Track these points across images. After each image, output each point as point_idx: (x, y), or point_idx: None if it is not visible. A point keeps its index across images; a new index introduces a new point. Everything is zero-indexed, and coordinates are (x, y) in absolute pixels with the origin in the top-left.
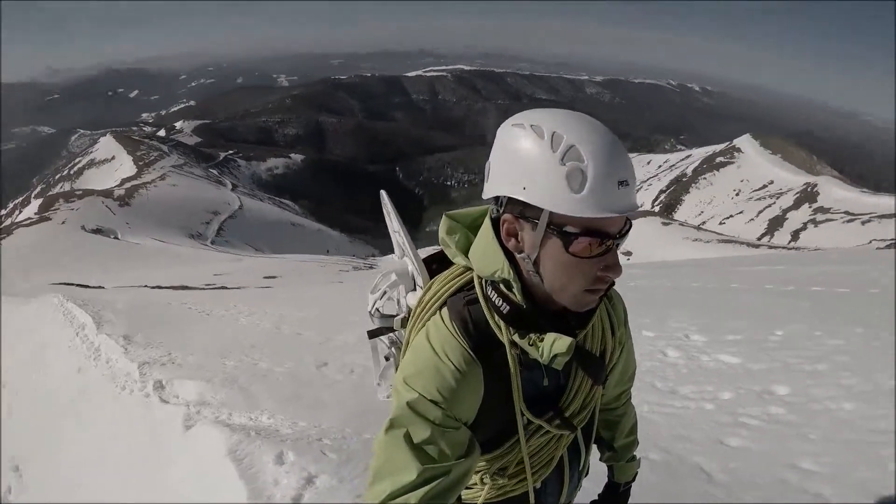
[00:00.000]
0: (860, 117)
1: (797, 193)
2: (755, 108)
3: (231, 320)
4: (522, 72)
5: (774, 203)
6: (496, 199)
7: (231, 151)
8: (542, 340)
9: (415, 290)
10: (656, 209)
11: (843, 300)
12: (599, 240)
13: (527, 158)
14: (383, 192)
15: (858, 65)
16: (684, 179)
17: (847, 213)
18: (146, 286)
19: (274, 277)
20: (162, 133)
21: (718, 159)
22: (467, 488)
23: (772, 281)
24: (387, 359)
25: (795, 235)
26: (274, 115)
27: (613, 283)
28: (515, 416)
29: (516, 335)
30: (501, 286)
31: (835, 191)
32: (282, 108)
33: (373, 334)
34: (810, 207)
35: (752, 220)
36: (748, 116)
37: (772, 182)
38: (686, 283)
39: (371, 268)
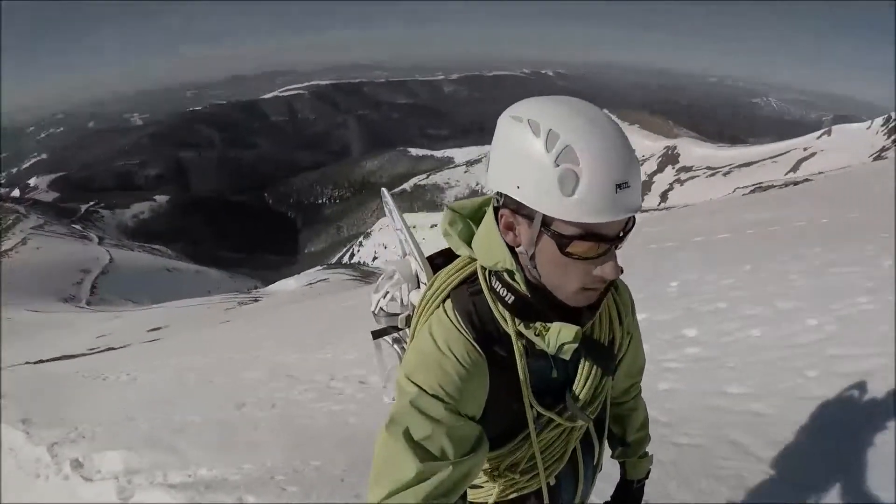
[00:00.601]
0: (724, 82)
1: (659, 158)
2: (614, 86)
3: (129, 381)
4: (378, 79)
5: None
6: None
7: (92, 203)
8: (547, 330)
9: (418, 287)
10: None
11: (725, 244)
12: (595, 243)
13: (521, 157)
14: (384, 190)
15: (714, 27)
16: None
17: (709, 167)
18: (29, 363)
19: (160, 329)
20: (16, 193)
21: None
22: (477, 487)
23: (654, 241)
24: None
25: (664, 196)
26: (132, 157)
27: (612, 283)
28: (524, 410)
29: (521, 325)
30: (506, 276)
31: (694, 149)
32: (139, 149)
33: (377, 334)
34: (673, 169)
35: None
36: (604, 95)
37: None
38: None
39: (256, 300)
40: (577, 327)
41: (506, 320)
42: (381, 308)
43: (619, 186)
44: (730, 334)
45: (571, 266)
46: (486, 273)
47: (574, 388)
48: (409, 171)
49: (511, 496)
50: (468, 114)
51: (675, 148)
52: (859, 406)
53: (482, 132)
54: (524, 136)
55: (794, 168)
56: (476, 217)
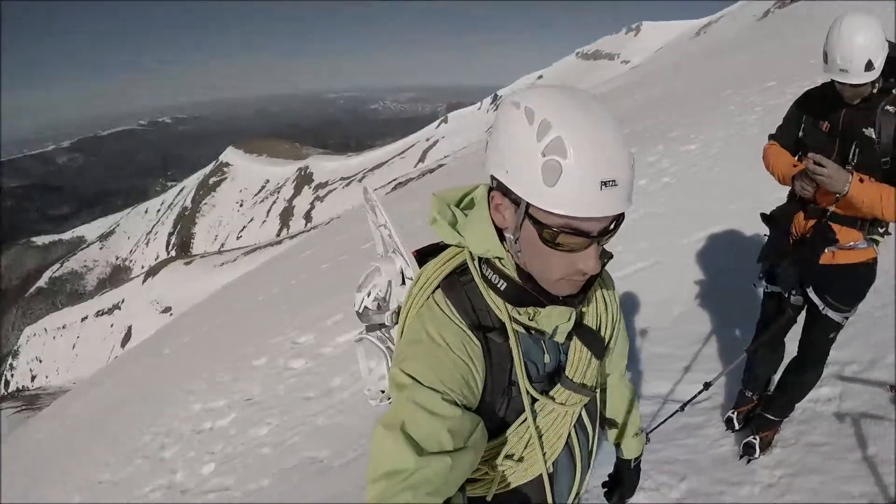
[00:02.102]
0: (342, 97)
1: (294, 181)
2: (236, 120)
3: None
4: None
5: (278, 198)
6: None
7: None
8: (540, 313)
9: (404, 283)
10: (173, 253)
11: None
12: (575, 236)
13: (512, 143)
14: (366, 186)
15: (318, 42)
16: (187, 213)
17: (342, 178)
18: None
19: None
20: None
21: (212, 180)
22: (475, 481)
23: (326, 260)
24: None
25: (308, 216)
26: None
27: (596, 276)
28: (520, 396)
29: (515, 311)
30: (497, 263)
31: (325, 165)
32: None
33: (368, 330)
34: (310, 188)
35: (265, 221)
36: (229, 129)
37: (267, 181)
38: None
39: None
40: (571, 308)
41: (499, 307)
42: (365, 307)
43: (604, 184)
44: None
45: (553, 255)
46: (477, 261)
47: (567, 370)
48: (40, 265)
49: (511, 487)
50: (90, 183)
51: (307, 168)
52: None
53: (109, 198)
54: (518, 122)
55: (422, 158)
56: (462, 207)
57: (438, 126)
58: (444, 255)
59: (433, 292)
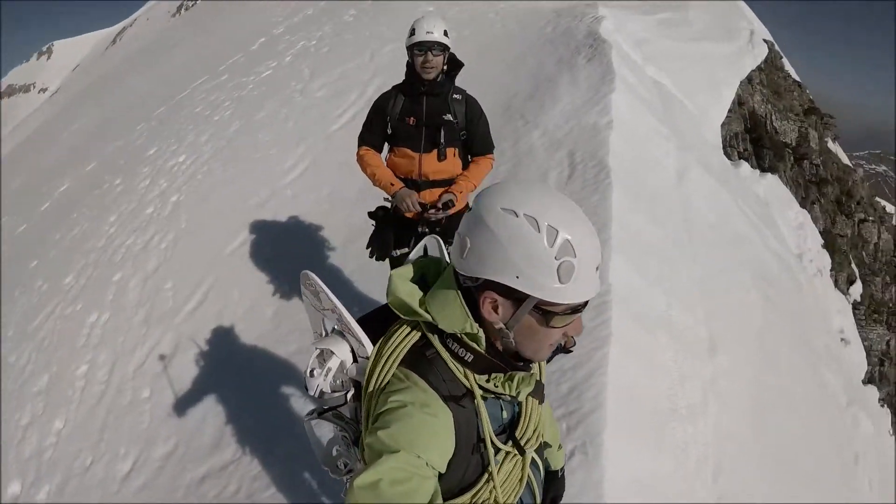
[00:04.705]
0: None
1: None
2: None
3: None
4: None
5: None
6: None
7: None
8: (509, 380)
9: (356, 361)
10: None
11: None
12: (575, 313)
13: (522, 251)
14: (308, 272)
15: None
16: None
17: None
18: None
19: None
20: None
21: None
22: None
23: None
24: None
25: None
26: None
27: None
28: (485, 455)
29: (481, 379)
30: (465, 338)
31: None
32: None
33: (320, 414)
34: None
35: None
36: None
37: None
38: None
39: None
40: (534, 373)
41: (466, 377)
42: (321, 391)
43: (596, 268)
44: None
45: (551, 333)
46: (441, 336)
47: (523, 420)
48: None
49: None
50: None
51: None
52: None
53: None
54: (524, 230)
55: None
56: (419, 283)
57: None
58: (399, 333)
59: (399, 367)
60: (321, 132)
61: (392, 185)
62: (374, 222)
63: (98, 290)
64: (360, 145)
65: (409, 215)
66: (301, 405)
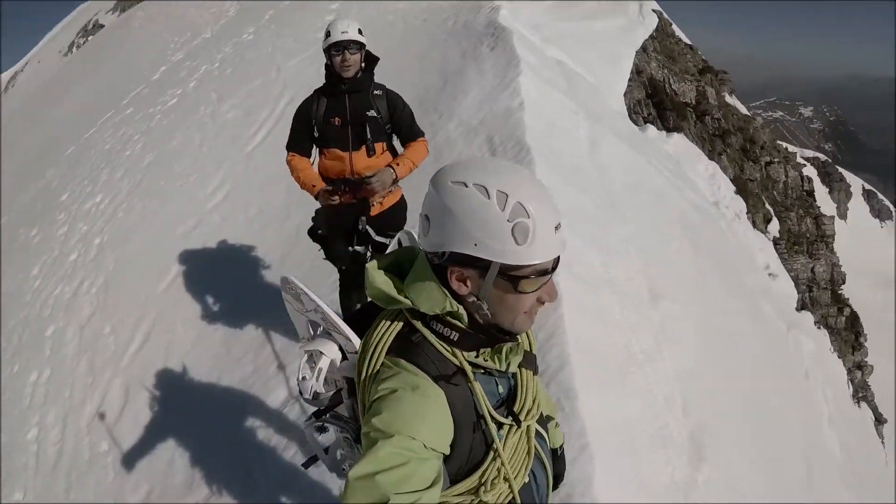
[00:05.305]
0: None
1: None
2: None
3: None
4: None
5: None
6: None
7: None
8: (498, 353)
9: (345, 359)
10: None
11: None
12: (542, 276)
13: (476, 218)
14: (287, 276)
15: None
16: None
17: None
18: None
19: None
20: None
21: None
22: None
23: None
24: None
25: None
26: None
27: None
28: (486, 431)
29: (470, 356)
30: (448, 318)
31: None
32: None
33: (318, 416)
34: None
35: None
36: None
37: None
38: None
39: None
40: (521, 345)
41: (455, 355)
42: (315, 392)
43: (556, 227)
44: None
45: (522, 299)
46: (424, 320)
47: (520, 393)
48: None
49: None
50: None
51: None
52: None
53: None
54: (475, 199)
55: None
56: (396, 273)
57: None
58: (383, 324)
59: (388, 355)
60: (238, 153)
61: (314, 186)
62: (318, 244)
63: (33, 347)
64: (287, 152)
65: (345, 199)
66: (271, 425)
